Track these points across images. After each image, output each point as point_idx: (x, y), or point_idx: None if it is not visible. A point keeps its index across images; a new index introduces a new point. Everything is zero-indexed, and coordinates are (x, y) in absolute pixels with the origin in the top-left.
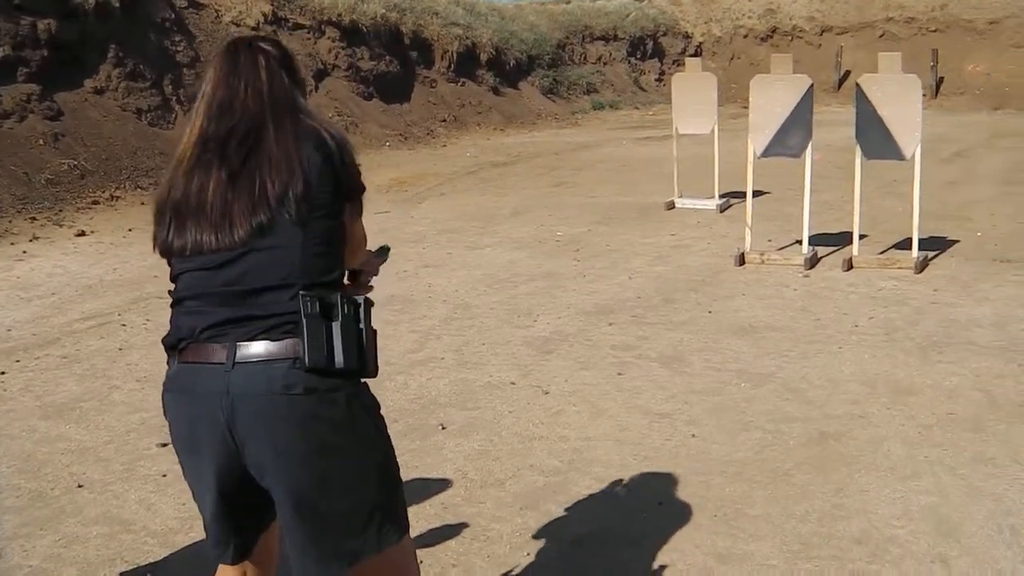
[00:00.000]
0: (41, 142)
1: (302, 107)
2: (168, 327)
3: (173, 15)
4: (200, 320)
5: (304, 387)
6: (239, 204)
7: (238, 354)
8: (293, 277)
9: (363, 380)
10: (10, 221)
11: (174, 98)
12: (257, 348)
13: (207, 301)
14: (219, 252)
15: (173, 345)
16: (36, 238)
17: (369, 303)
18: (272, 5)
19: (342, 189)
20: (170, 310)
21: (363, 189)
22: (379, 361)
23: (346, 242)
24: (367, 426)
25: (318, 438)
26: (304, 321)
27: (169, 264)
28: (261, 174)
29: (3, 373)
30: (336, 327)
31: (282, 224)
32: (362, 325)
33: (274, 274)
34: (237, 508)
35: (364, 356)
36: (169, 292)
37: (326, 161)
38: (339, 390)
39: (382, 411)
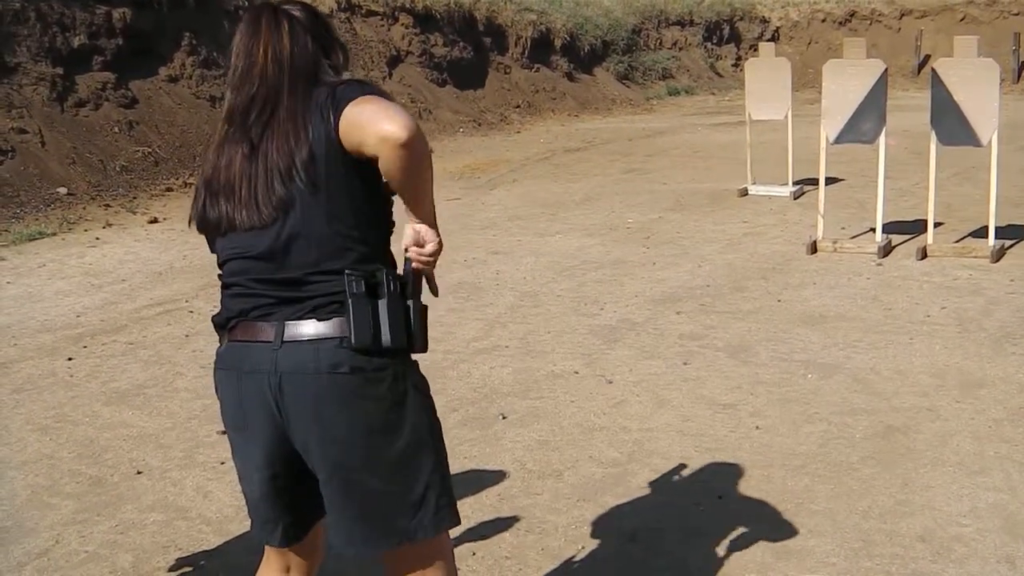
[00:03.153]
0: (116, 130)
1: (324, 70)
2: (219, 307)
3: (246, 3)
4: (249, 301)
5: (350, 366)
6: (258, 180)
7: (286, 333)
8: (332, 259)
9: (413, 357)
10: (84, 208)
11: None
12: (305, 327)
13: (255, 285)
14: (253, 231)
15: (223, 324)
16: (109, 224)
17: (417, 274)
18: None
19: (348, 135)
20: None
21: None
22: (429, 340)
23: (384, 200)
24: (417, 404)
25: (364, 417)
26: (350, 301)
27: (208, 242)
28: (270, 146)
29: (70, 359)
30: (382, 305)
31: (301, 196)
32: (409, 301)
33: (312, 259)
34: (286, 489)
35: (412, 333)
36: (219, 276)
37: (325, 113)
38: (386, 368)
39: (442, 398)
